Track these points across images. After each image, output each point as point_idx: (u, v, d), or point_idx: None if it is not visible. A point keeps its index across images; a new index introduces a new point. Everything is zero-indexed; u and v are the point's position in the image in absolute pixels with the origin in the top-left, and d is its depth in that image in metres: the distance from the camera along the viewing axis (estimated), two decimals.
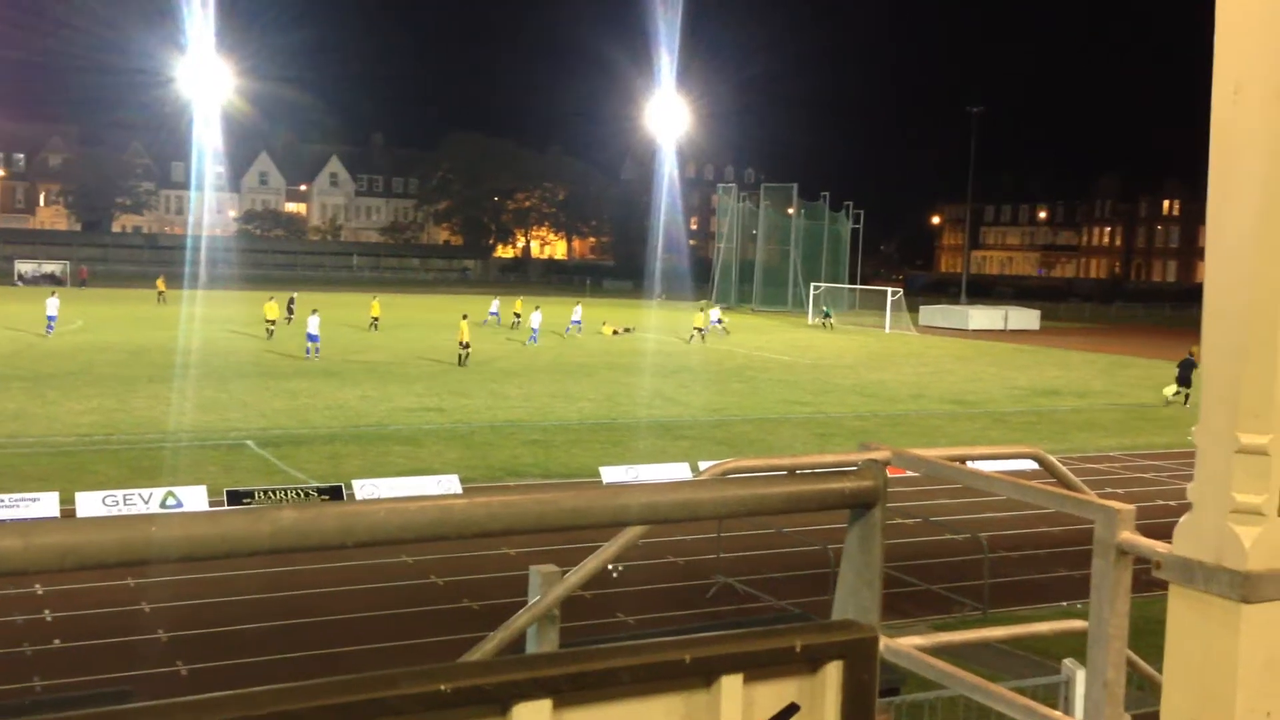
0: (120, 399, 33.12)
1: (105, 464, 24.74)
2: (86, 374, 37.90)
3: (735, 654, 2.21)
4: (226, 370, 40.27)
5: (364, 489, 22.45)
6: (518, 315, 60.52)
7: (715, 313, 67.33)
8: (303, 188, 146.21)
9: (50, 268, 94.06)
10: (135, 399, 33.25)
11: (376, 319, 59.48)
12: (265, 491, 21.74)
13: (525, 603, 3.15)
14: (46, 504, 20.22)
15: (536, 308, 58.32)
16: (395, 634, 15.64)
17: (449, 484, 23.15)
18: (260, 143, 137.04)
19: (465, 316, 47.17)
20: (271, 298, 56.92)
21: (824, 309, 77.67)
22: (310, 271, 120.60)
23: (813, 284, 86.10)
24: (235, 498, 21.22)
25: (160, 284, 76.83)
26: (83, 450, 26.16)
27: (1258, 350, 2.44)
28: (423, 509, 2.09)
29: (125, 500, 20.68)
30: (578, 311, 61.09)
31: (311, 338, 45.47)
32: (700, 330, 61.04)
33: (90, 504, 20.38)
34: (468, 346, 44.98)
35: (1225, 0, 2.47)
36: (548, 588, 3.12)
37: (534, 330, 55.48)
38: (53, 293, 56.96)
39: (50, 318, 51.04)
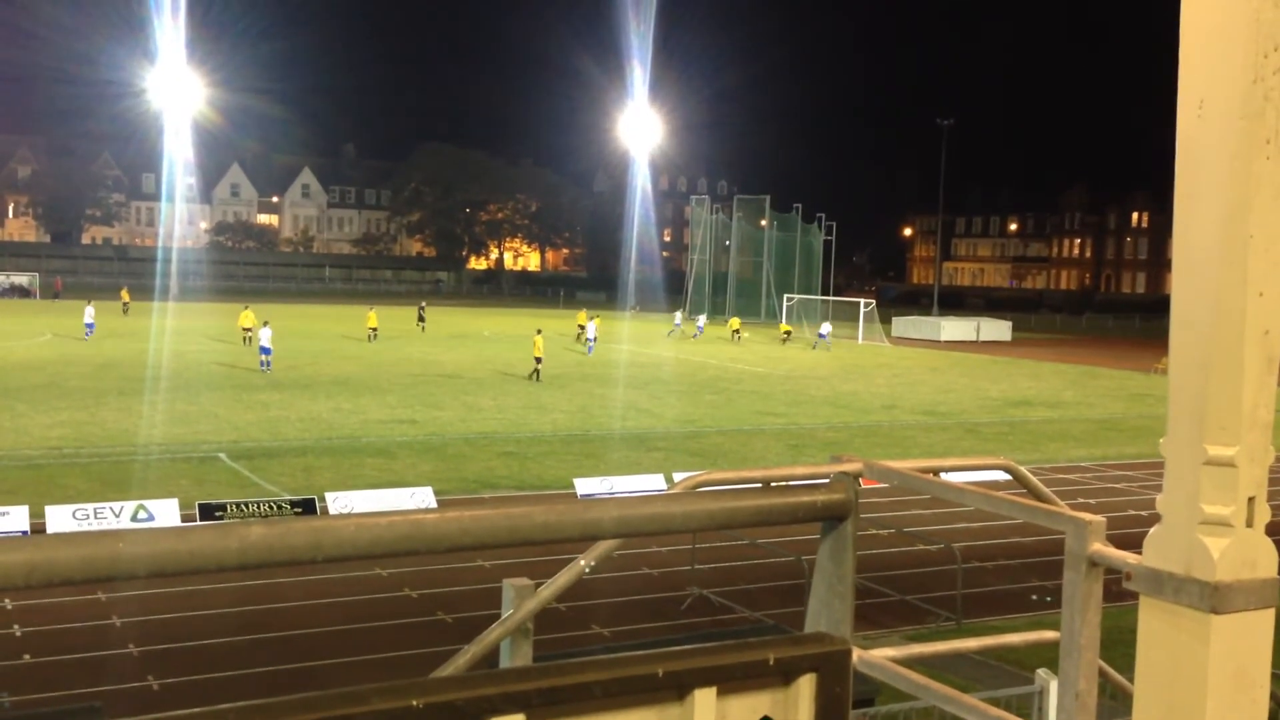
0: (90, 411, 32.84)
1: (75, 477, 24.51)
2: (56, 386, 37.57)
3: (708, 667, 2.21)
4: (197, 382, 40.00)
5: (337, 501, 22.33)
6: (582, 327, 63.51)
7: (826, 327, 68.64)
8: (274, 199, 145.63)
9: (18, 279, 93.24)
10: (105, 411, 32.98)
11: (374, 329, 60.48)
12: (238, 504, 21.59)
13: (499, 616, 3.15)
14: (16, 518, 20.01)
15: (592, 318, 60.60)
16: (369, 647, 15.55)
17: (423, 496, 23.06)
18: (232, 154, 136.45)
19: (539, 331, 47.28)
20: (247, 307, 57.27)
21: (785, 331, 77.69)
22: (282, 283, 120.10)
23: (785, 295, 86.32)
24: (207, 511, 21.06)
25: (124, 295, 76.50)
26: (53, 463, 25.92)
27: (1223, 363, 2.46)
28: (393, 524, 2.09)
29: (96, 514, 20.48)
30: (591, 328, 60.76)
31: (264, 350, 44.65)
32: (737, 332, 70.64)
33: (60, 518, 20.18)
34: (540, 361, 44.98)
35: (1189, 19, 2.50)
36: (521, 601, 3.12)
37: (590, 340, 57.68)
38: (89, 301, 60.74)
39: (89, 325, 55.39)
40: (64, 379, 39.54)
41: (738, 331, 71.41)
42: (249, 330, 53.40)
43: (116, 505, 20.95)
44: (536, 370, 44.80)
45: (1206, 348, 2.49)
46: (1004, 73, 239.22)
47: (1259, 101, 2.40)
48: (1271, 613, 2.55)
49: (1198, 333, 2.51)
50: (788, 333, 71.46)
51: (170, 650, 15.19)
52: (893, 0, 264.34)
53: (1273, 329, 2.48)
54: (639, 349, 62.09)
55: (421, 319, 69.60)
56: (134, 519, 20.56)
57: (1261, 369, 2.48)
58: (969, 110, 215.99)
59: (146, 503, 21.21)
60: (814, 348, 65.50)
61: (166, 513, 20.91)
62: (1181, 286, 2.56)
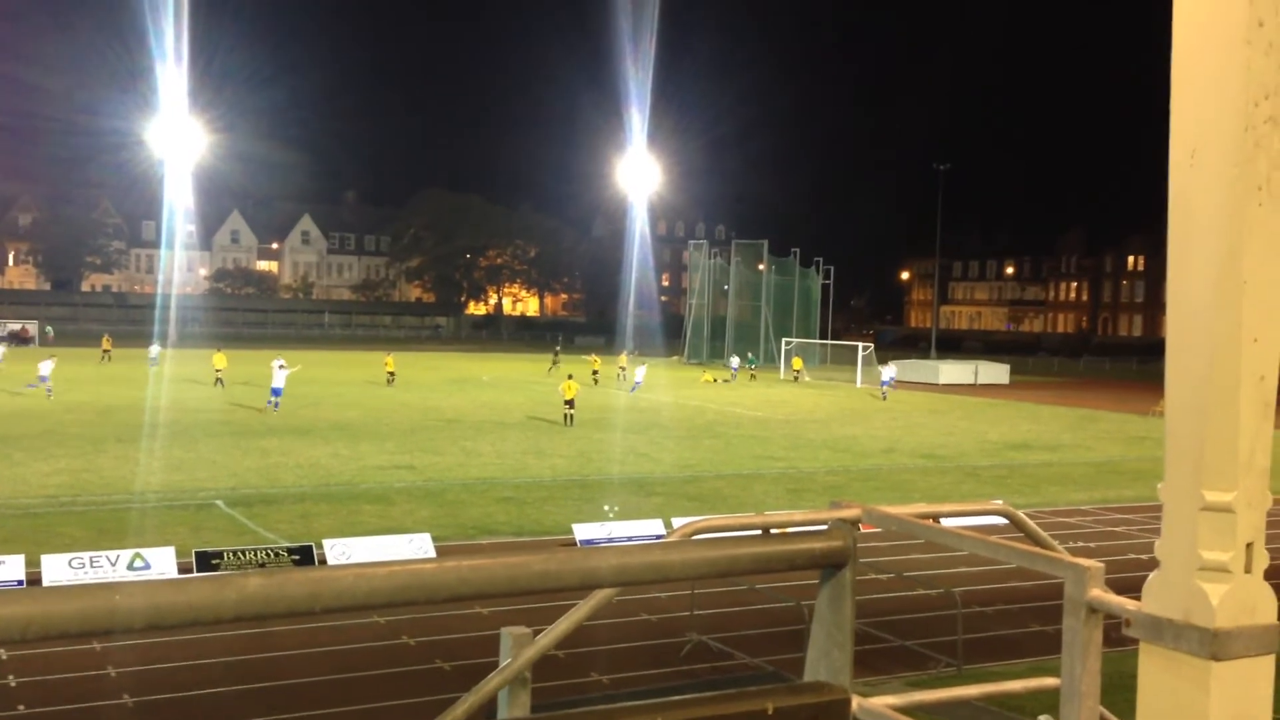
0: (88, 459, 32.76)
1: (72, 526, 24.42)
2: (54, 434, 37.50)
3: (707, 717, 2.20)
4: (195, 429, 39.94)
5: (335, 548, 22.22)
6: (623, 369, 70.57)
7: (889, 372, 66.84)
8: (274, 246, 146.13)
9: (16, 327, 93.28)
10: (103, 459, 32.90)
11: (392, 373, 61.76)
12: (235, 552, 21.48)
13: (498, 664, 3.13)
14: (12, 567, 19.89)
15: (642, 363, 67.19)
16: (366, 696, 15.43)
17: (421, 543, 22.95)
18: (232, 201, 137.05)
19: (571, 376, 48.63)
20: (220, 349, 59.68)
21: (750, 359, 78.91)
22: (281, 329, 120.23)
23: (784, 339, 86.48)
24: (204, 559, 20.94)
25: (106, 342, 76.05)
26: (49, 512, 25.83)
27: (1220, 408, 2.47)
28: (391, 574, 2.08)
29: (92, 562, 20.37)
30: (640, 372, 64.58)
31: (275, 391, 46.25)
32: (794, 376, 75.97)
33: (56, 567, 20.07)
34: (572, 404, 45.41)
35: (1181, 68, 2.53)
36: (519, 650, 3.10)
37: (637, 381, 62.23)
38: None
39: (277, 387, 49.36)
40: (63, 426, 39.49)
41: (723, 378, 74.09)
42: (220, 372, 56.07)
43: (113, 554, 20.83)
44: (568, 415, 45.21)
45: (1202, 394, 2.49)
46: (1000, 118, 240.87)
47: (1250, 149, 2.42)
48: (1272, 659, 2.54)
49: (1194, 379, 2.52)
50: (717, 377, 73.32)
51: (165, 700, 15.06)
52: (890, 46, 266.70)
53: (1268, 375, 2.48)
54: (639, 394, 62.05)
55: (556, 362, 75.17)
56: (130, 567, 20.45)
57: (1258, 415, 2.49)
58: (966, 155, 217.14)
59: (143, 551, 21.09)
60: (883, 398, 63.27)
61: (163, 561, 20.79)
62: (1176, 333, 2.57)
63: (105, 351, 73.87)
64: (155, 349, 68.79)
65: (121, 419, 42.13)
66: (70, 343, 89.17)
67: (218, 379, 55.90)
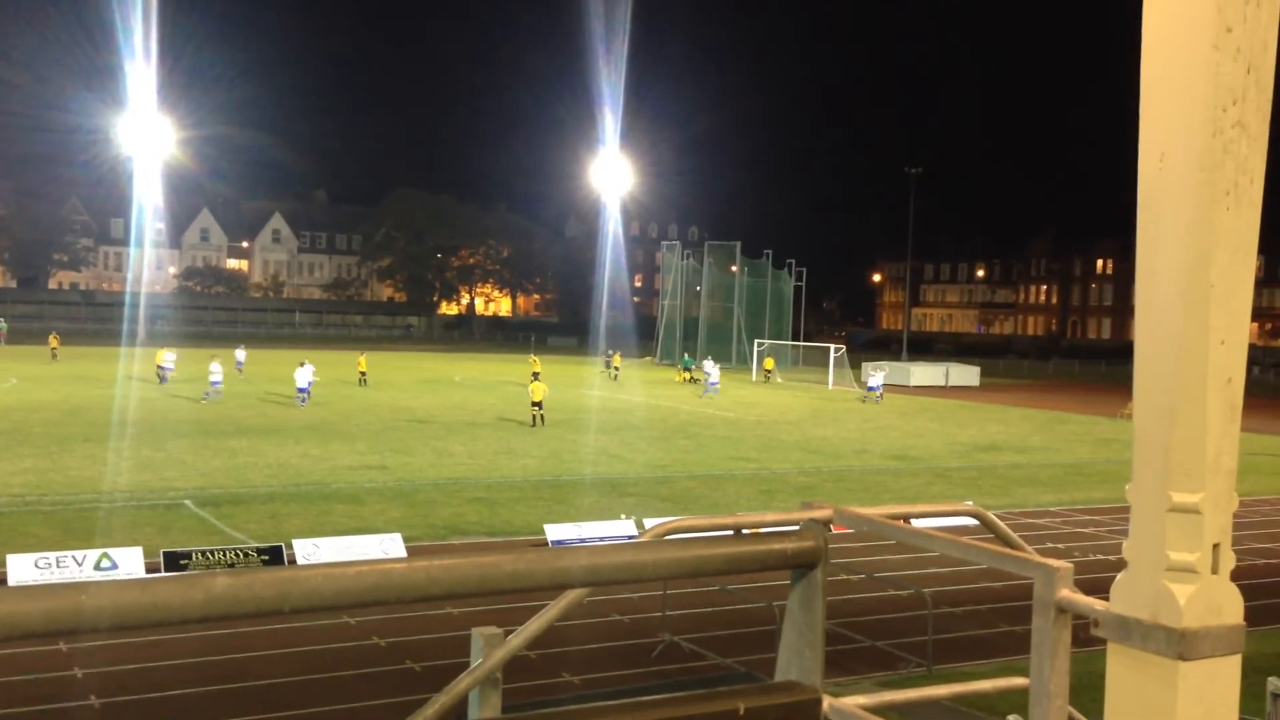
0: (54, 459, 32.46)
1: (38, 525, 24.19)
2: (19, 433, 37.14)
3: (678, 717, 2.20)
4: (164, 428, 39.64)
5: (304, 549, 22.10)
6: (616, 368, 72.71)
7: (876, 379, 65.52)
8: (245, 244, 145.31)
9: None
10: (70, 459, 32.61)
11: (364, 374, 61.28)
12: (203, 552, 21.35)
13: (468, 664, 3.12)
14: None
15: (714, 363, 67.24)
16: (336, 697, 15.36)
17: (391, 543, 22.87)
18: (202, 199, 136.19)
19: (537, 377, 49.04)
20: (164, 347, 61.27)
21: (686, 361, 77.89)
22: (251, 329, 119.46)
23: (756, 340, 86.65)
24: (172, 559, 20.80)
25: (54, 340, 74.72)
26: (15, 511, 25.57)
27: (1187, 410, 2.49)
28: (360, 574, 2.07)
29: (59, 562, 20.19)
30: (715, 370, 65.47)
31: (301, 390, 48.31)
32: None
33: (22, 567, 19.89)
34: (540, 405, 45.10)
35: (1150, 72, 2.55)
36: (490, 650, 3.09)
37: (714, 384, 62.51)
38: (302, 362, 52.53)
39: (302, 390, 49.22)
40: (29, 425, 39.11)
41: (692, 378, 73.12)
42: (161, 368, 57.19)
43: (79, 554, 20.66)
44: (536, 415, 44.94)
45: (1170, 396, 2.51)
46: (971, 122, 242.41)
47: (1218, 154, 2.44)
48: (1238, 659, 2.56)
49: (1161, 381, 2.54)
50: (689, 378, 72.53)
51: (133, 702, 14.94)
52: (863, 50, 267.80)
53: (1235, 377, 2.51)
54: (609, 394, 62.05)
55: (613, 365, 75.02)
56: (97, 567, 20.28)
57: (1225, 417, 2.51)
58: (937, 159, 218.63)
59: (110, 551, 20.92)
60: (863, 400, 63.14)
61: (130, 561, 20.63)
62: (1145, 335, 2.58)
63: (54, 350, 72.51)
64: (241, 353, 65.48)
65: (89, 418, 41.77)
66: (35, 340, 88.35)
67: (159, 375, 56.77)
